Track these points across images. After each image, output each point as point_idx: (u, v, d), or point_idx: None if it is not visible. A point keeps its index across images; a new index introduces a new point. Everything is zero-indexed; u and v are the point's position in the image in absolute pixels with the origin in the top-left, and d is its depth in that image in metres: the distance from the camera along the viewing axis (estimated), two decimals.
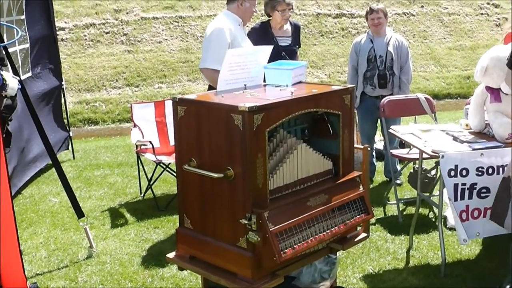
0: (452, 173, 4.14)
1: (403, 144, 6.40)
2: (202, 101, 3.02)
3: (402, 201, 5.90)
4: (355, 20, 14.79)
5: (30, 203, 6.32)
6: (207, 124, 2.93)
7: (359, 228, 3.45)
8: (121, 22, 13.66)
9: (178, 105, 3.05)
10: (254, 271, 2.86)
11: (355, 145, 3.42)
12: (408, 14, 15.34)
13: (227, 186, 2.87)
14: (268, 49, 3.53)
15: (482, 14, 15.82)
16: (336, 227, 3.10)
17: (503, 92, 4.35)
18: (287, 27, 6.13)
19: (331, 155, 3.26)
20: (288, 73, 3.38)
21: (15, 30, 4.24)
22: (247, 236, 2.82)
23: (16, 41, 6.75)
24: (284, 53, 5.86)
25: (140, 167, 6.38)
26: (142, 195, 6.45)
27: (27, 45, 7.21)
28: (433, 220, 5.53)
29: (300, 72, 3.52)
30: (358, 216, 3.24)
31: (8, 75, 3.99)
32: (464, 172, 4.15)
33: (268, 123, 2.81)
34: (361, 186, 3.32)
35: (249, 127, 2.73)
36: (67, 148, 8.23)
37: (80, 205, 5.13)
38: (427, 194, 5.47)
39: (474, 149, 4.24)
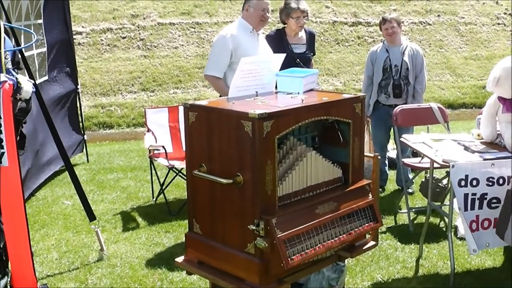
0: (463, 183, 4.13)
1: (415, 153, 6.38)
2: (212, 107, 3.03)
3: (413, 210, 5.89)
4: (371, 28, 14.79)
5: (43, 205, 6.37)
6: (218, 130, 2.94)
7: (368, 236, 3.45)
8: (138, 27, 13.77)
9: (189, 111, 3.07)
10: (261, 277, 2.87)
11: (366, 154, 3.42)
12: (424, 23, 15.32)
13: (236, 192, 2.89)
14: (280, 57, 3.55)
15: (498, 24, 15.75)
16: (344, 235, 3.11)
17: None
18: (302, 34, 6.14)
19: (340, 163, 3.26)
20: (299, 81, 3.40)
21: (32, 35, 4.29)
22: (255, 242, 2.83)
23: (34, 45, 6.84)
24: (298, 60, 5.88)
25: (153, 171, 6.43)
26: (154, 199, 6.49)
27: (44, 49, 7.30)
28: (444, 229, 5.52)
29: (312, 79, 3.54)
30: (366, 224, 3.24)
31: (23, 78, 4.02)
32: (474, 182, 4.13)
33: (278, 130, 2.83)
34: (370, 194, 3.32)
35: (259, 134, 2.75)
36: (82, 151, 8.30)
37: (93, 208, 5.17)
38: (439, 203, 5.46)
39: (485, 159, 4.22)
